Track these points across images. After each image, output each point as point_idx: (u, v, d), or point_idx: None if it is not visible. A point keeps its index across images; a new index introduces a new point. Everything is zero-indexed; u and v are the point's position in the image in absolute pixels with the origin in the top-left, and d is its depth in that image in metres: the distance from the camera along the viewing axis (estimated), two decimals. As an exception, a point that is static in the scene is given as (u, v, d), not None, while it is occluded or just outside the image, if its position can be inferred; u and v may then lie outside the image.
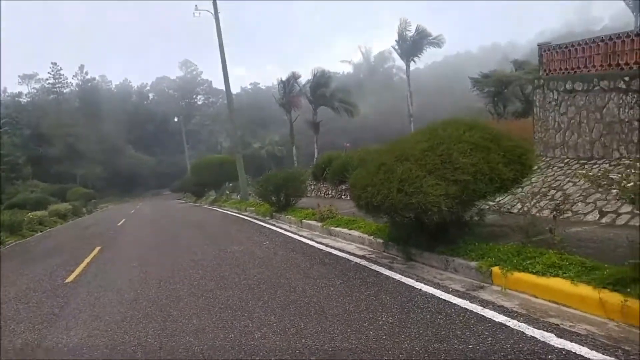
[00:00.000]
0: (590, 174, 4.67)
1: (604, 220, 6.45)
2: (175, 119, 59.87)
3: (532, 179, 8.46)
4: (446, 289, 4.67)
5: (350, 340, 3.64)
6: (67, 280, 8.04)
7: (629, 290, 3.51)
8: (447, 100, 49.84)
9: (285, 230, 10.82)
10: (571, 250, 4.69)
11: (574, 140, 8.60)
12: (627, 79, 7.19)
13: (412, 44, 33.80)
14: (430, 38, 33.77)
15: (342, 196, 15.54)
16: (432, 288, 4.78)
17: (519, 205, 7.76)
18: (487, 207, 8.03)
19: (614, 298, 3.55)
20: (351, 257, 6.77)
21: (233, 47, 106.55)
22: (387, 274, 5.59)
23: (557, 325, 3.48)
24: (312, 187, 19.33)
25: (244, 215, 16.67)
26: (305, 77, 41.37)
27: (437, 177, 5.34)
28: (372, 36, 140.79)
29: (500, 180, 5.46)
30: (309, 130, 41.88)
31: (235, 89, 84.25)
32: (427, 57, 61.95)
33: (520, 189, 6.96)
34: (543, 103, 9.72)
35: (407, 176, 5.41)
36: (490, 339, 3.36)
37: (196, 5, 21.71)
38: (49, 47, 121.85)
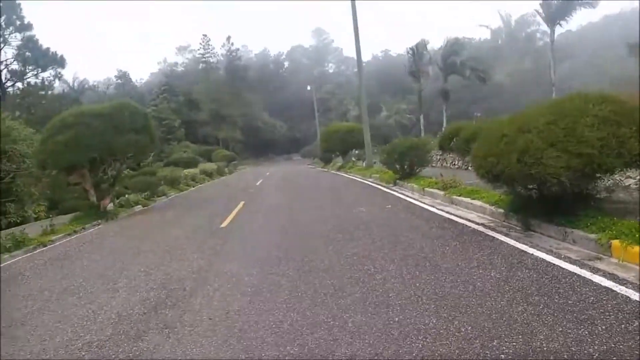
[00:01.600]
0: None
1: None
2: (309, 88, 62.58)
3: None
4: (559, 256, 4.92)
5: (458, 288, 4.21)
6: (222, 226, 9.68)
7: None
8: (600, 68, 44.54)
9: (408, 196, 11.37)
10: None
11: None
12: None
13: (559, 6, 30.70)
14: (583, -1, 30.33)
15: (469, 167, 15.48)
16: (544, 254, 5.05)
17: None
18: (626, 184, 7.73)
19: None
20: (470, 224, 7.16)
21: (366, 10, 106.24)
22: (502, 239, 5.94)
23: (666, 294, 3.64)
24: (438, 157, 19.39)
25: (368, 181, 17.52)
26: (438, 42, 40.24)
27: (559, 150, 5.47)
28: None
29: (630, 156, 5.39)
30: (438, 98, 40.96)
31: (366, 56, 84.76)
32: (581, 18, 55.51)
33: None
34: None
35: (528, 147, 5.61)
36: (592, 298, 3.66)
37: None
38: (201, 19, 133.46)
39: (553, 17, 31.55)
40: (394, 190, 13.01)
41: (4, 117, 19.19)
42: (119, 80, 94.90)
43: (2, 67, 36.57)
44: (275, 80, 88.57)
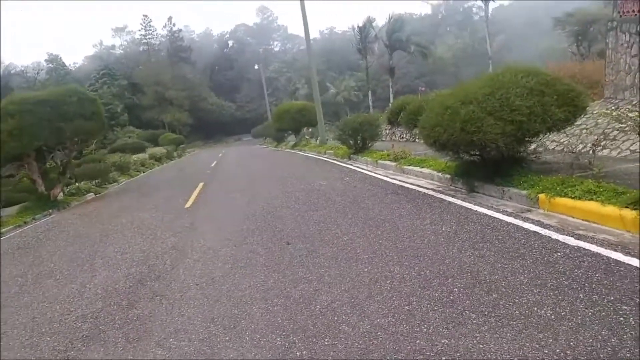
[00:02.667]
0: (614, 113, 5.24)
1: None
2: (256, 66, 61.97)
3: (599, 121, 8.87)
4: (498, 211, 5.68)
5: (416, 242, 4.86)
6: (186, 206, 9.95)
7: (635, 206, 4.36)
8: (531, 40, 47.01)
9: (363, 169, 12.03)
10: (611, 181, 5.46)
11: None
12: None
13: (492, -18, 32.17)
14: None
15: (416, 140, 16.33)
16: (486, 210, 5.81)
17: (580, 145, 8.33)
18: (552, 147, 8.70)
19: (630, 214, 4.42)
20: (420, 189, 7.87)
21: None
22: (450, 200, 6.68)
23: (580, 234, 4.42)
24: (387, 131, 20.20)
25: (324, 157, 18.09)
26: (382, 19, 40.95)
27: (495, 118, 6.20)
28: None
29: (552, 121, 6.20)
30: (384, 75, 41.92)
31: (312, 34, 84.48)
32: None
33: (576, 129, 7.55)
34: (615, 45, 9.79)
35: (470, 117, 6.31)
36: (523, 240, 4.42)
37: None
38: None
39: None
40: (349, 164, 13.64)
41: None
42: (50, 65, 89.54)
43: None
44: (220, 60, 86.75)
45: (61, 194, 15.63)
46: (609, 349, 2.47)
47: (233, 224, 7.23)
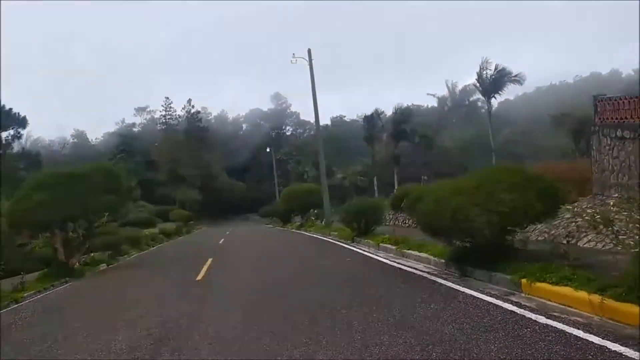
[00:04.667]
0: (585, 213, 5.99)
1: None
2: (267, 149, 64.57)
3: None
4: (483, 292, 6.27)
5: (405, 316, 5.44)
6: (197, 279, 10.55)
7: (606, 293, 4.97)
8: (535, 135, 49.16)
9: (365, 251, 12.67)
10: (585, 269, 6.09)
11: (626, 182, 9.66)
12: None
13: (492, 82, 34.71)
14: (511, 76, 34.48)
15: (418, 226, 17.06)
16: (473, 292, 6.40)
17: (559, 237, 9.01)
18: (541, 238, 9.38)
19: (597, 299, 5.02)
20: (417, 272, 8.49)
21: (322, 77, 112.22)
22: (442, 282, 7.29)
23: (553, 315, 5.00)
24: (391, 216, 21.01)
25: (328, 238, 18.76)
26: (389, 109, 43.41)
27: (482, 209, 7.00)
28: (460, 70, 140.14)
29: (534, 213, 6.99)
30: (390, 162, 43.62)
31: (323, 120, 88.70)
32: (518, 89, 61.50)
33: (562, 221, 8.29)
34: (599, 147, 10.84)
35: (459, 207, 7.12)
36: (499, 317, 5.01)
37: (294, 54, 24.92)
38: (160, 80, 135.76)
39: (488, 91, 35.51)
40: (352, 246, 14.29)
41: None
42: (75, 140, 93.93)
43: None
44: (233, 142, 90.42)
45: (77, 263, 16.26)
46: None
47: (241, 296, 7.82)
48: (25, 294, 11.78)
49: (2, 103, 36.94)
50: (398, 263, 9.84)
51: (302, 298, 7.14)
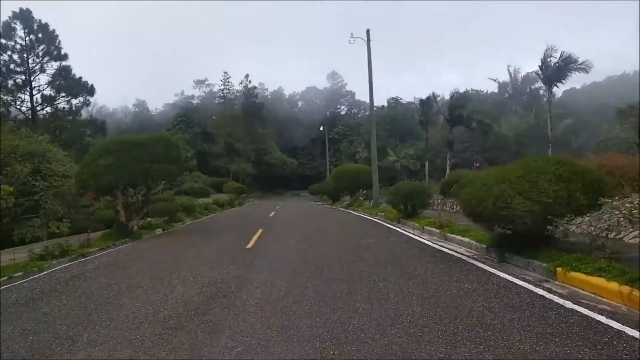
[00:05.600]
0: (623, 208, 5.98)
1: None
2: (321, 128, 65.08)
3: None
4: (517, 277, 6.49)
5: (438, 293, 5.80)
6: (247, 246, 11.30)
7: (636, 285, 5.09)
8: (598, 126, 46.57)
9: (409, 232, 12.96)
10: (622, 262, 6.16)
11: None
12: None
13: (556, 70, 33.16)
14: (577, 64, 32.76)
15: (462, 211, 17.03)
16: (508, 276, 6.63)
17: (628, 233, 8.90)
18: (587, 230, 9.32)
19: (626, 290, 5.16)
20: (457, 255, 8.74)
21: (380, 58, 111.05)
22: (479, 265, 7.53)
23: (581, 302, 5.18)
24: (440, 200, 21.02)
25: (375, 218, 19.12)
26: (448, 91, 42.48)
27: (524, 198, 7.13)
28: (524, 56, 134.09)
29: (576, 205, 7.04)
30: (444, 146, 42.95)
31: (378, 102, 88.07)
32: (586, 78, 58.25)
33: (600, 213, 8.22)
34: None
35: (501, 194, 7.28)
36: (528, 300, 5.26)
37: (352, 33, 25.00)
38: (220, 55, 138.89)
39: (550, 79, 33.99)
40: (398, 227, 14.60)
41: (42, 139, 21.23)
42: (136, 109, 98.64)
43: (35, 92, 39.09)
44: (288, 118, 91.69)
45: (135, 226, 17.61)
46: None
47: (288, 264, 8.42)
48: (91, 250, 13.06)
49: (72, 72, 39.30)
50: (440, 245, 10.09)
51: (343, 270, 7.63)
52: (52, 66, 39.55)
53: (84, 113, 43.10)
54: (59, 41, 39.66)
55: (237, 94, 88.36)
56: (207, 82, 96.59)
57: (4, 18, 38.65)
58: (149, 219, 20.45)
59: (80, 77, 40.09)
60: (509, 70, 74.61)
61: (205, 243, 13.17)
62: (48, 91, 39.48)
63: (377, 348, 4.02)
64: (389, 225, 15.44)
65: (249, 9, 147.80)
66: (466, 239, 10.02)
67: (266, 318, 5.14)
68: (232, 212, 34.35)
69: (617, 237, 8.65)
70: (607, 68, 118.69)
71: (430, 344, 4.05)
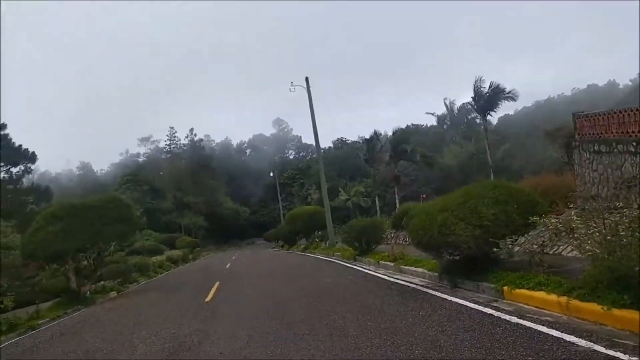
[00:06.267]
0: (550, 225, 6.57)
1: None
2: (271, 174, 65.45)
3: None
4: (468, 300, 6.85)
5: (395, 322, 6.04)
6: (206, 300, 11.14)
7: (571, 295, 5.56)
8: (533, 149, 49.85)
9: (365, 269, 13.23)
10: (559, 275, 6.67)
11: (605, 193, 10.26)
12: (634, 143, 8.96)
13: (487, 100, 35.62)
14: (505, 93, 35.37)
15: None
16: (459, 300, 6.98)
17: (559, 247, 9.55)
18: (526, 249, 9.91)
19: (564, 300, 5.60)
20: (411, 285, 9.07)
21: (324, 99, 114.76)
22: (433, 293, 7.87)
23: (526, 316, 5.58)
24: (393, 234, 21.56)
25: (332, 259, 19.30)
26: (391, 128, 44.13)
27: (466, 223, 7.61)
28: (459, 88, 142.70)
29: (514, 225, 7.60)
30: (391, 181, 44.27)
31: (325, 143, 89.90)
32: (517, 104, 62.65)
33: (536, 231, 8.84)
34: (580, 161, 11.48)
35: (445, 222, 7.74)
36: (478, 319, 5.60)
37: (292, 82, 25.97)
38: (161, 111, 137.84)
39: (483, 109, 36.42)
40: (354, 265, 14.84)
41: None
42: (81, 172, 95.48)
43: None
44: (237, 167, 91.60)
45: (88, 291, 16.84)
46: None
47: (248, 313, 8.41)
48: (41, 322, 12.37)
49: (12, 139, 37.92)
50: (395, 278, 10.40)
51: (304, 312, 7.73)
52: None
53: (25, 181, 41.33)
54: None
55: (184, 148, 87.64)
56: (152, 139, 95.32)
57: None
58: (102, 282, 19.60)
59: (20, 145, 38.68)
60: (445, 103, 78.76)
61: (163, 301, 12.82)
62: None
63: (341, 382, 4.17)
64: (346, 264, 15.66)
65: (188, 63, 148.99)
66: (419, 269, 10.40)
67: (230, 368, 5.17)
68: (187, 268, 33.42)
69: (554, 251, 9.30)
70: (535, 92, 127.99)
71: (390, 371, 4.25)
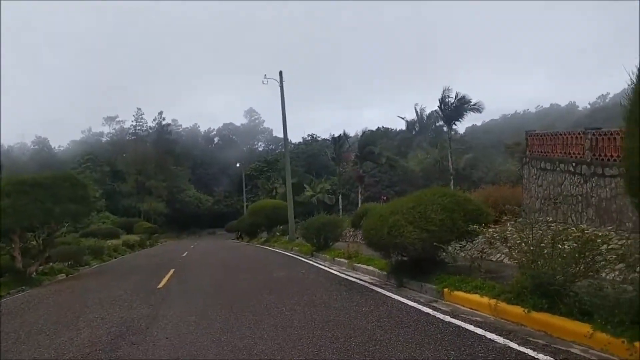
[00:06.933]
0: (487, 234, 7.07)
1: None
2: (237, 165, 64.96)
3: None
4: (410, 299, 7.25)
5: (338, 317, 6.35)
6: (159, 286, 11.18)
7: (500, 298, 6.02)
8: (495, 159, 51.65)
9: (320, 264, 13.55)
10: (495, 279, 7.15)
11: (546, 207, 10.94)
12: (574, 164, 9.64)
13: (453, 109, 36.70)
14: (470, 104, 36.57)
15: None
16: (402, 298, 7.37)
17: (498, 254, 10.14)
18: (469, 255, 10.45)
19: (494, 303, 6.05)
20: (360, 282, 9.43)
21: (298, 94, 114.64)
22: (378, 290, 8.25)
23: (459, 316, 6.00)
24: (351, 233, 22.00)
25: (290, 253, 19.56)
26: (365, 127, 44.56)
27: (414, 227, 8.02)
28: (431, 95, 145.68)
29: (459, 232, 8.06)
30: (356, 181, 44.90)
31: (296, 138, 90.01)
32: (484, 115, 64.70)
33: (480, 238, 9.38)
34: (528, 176, 12.16)
35: (395, 224, 8.12)
36: (415, 317, 5.99)
37: (265, 75, 26.09)
38: (132, 91, 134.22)
39: (449, 118, 37.49)
40: (310, 260, 15.15)
41: None
42: (36, 147, 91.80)
43: None
44: (204, 155, 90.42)
45: (34, 272, 16.44)
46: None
47: (199, 300, 8.57)
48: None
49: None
50: (347, 275, 10.75)
51: (253, 302, 7.94)
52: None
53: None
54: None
55: (150, 131, 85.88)
56: (117, 119, 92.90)
57: None
58: (51, 264, 19.14)
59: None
60: (415, 109, 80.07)
61: (114, 285, 12.73)
62: None
63: (278, 367, 4.44)
64: (302, 259, 15.96)
65: (163, 45, 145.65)
66: (370, 268, 10.79)
67: (175, 350, 5.34)
68: (144, 253, 32.92)
69: (498, 258, 9.87)
70: (502, 107, 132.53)
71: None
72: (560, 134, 10.51)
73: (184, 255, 24.69)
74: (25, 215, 14.51)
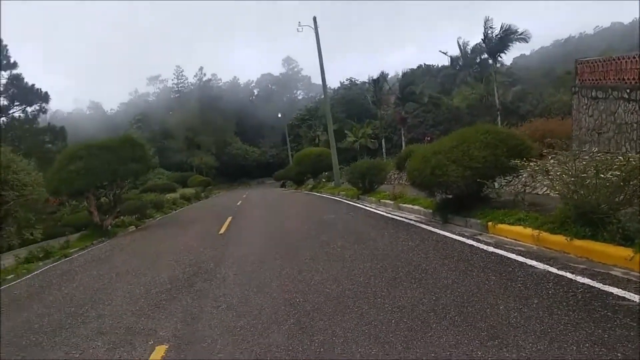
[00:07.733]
0: (529, 168, 7.15)
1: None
2: (279, 115, 65.51)
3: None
4: (455, 233, 7.63)
5: (386, 251, 6.86)
6: (220, 232, 12.12)
7: (542, 228, 6.28)
8: (546, 90, 49.28)
9: (367, 206, 14.06)
10: (538, 211, 7.37)
11: (596, 138, 10.76)
12: (628, 90, 9.32)
13: (498, 41, 34.99)
14: (517, 34, 34.67)
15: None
16: (447, 233, 7.76)
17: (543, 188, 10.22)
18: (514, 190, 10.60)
19: (537, 232, 6.33)
20: (406, 220, 9.86)
21: (333, 39, 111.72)
22: (424, 227, 8.67)
23: (503, 246, 6.33)
24: (396, 175, 22.28)
25: (337, 197, 20.18)
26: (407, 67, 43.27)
27: (457, 165, 8.25)
28: (476, 26, 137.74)
29: (502, 167, 8.23)
30: (399, 123, 44.45)
31: (334, 83, 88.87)
32: (534, 44, 60.58)
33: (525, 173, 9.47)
34: (578, 107, 11.85)
35: (437, 164, 8.38)
36: (459, 249, 6.39)
37: (299, 22, 25.79)
38: (171, 49, 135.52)
39: (494, 50, 35.82)
40: (357, 203, 15.69)
41: (4, 150, 21.08)
42: (91, 111, 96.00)
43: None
44: (245, 108, 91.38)
45: (109, 225, 18.04)
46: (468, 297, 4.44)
47: (258, 242, 9.35)
48: (71, 250, 13.57)
49: (24, 79, 38.34)
50: (393, 215, 11.20)
51: (307, 241, 8.61)
52: (3, 76, 38.44)
53: (40, 121, 42.11)
54: (7, 49, 38.43)
55: (192, 87, 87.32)
56: (160, 78, 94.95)
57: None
58: (122, 217, 20.83)
59: (33, 85, 39.14)
60: (458, 43, 76.74)
61: (179, 234, 13.87)
62: (2, 101, 38.47)
63: (333, 294, 5.02)
64: (349, 202, 16.53)
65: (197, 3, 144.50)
66: (416, 207, 11.17)
67: (243, 283, 6.07)
68: (200, 205, 34.76)
69: (544, 192, 9.97)
70: (555, 32, 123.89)
71: (375, 287, 5.08)
72: (613, 59, 10.12)
73: (239, 203, 25.94)
74: (96, 175, 16.04)
